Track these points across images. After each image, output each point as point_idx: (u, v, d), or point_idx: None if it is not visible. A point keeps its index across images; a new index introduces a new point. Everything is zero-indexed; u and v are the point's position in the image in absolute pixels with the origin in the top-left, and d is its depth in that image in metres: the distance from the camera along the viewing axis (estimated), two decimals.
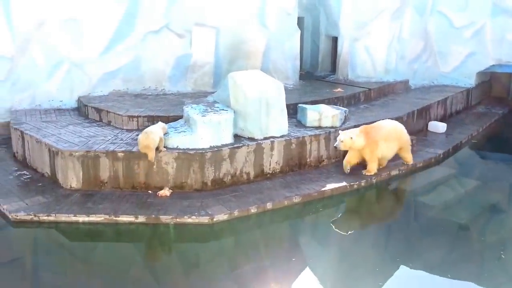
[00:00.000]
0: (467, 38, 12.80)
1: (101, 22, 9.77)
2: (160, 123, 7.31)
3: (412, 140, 9.22)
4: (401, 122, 9.62)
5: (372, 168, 7.81)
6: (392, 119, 9.37)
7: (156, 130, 6.90)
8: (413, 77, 12.97)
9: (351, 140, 7.49)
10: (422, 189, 8.15)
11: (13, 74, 9.40)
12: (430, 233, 6.60)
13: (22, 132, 7.97)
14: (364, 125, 7.92)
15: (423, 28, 12.92)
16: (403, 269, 5.70)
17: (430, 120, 10.88)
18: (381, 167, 8.05)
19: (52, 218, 6.32)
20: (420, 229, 6.87)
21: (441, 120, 11.11)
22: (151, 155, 6.80)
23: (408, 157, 8.37)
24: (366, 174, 7.81)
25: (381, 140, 7.70)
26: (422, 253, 6.12)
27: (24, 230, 6.30)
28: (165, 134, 7.17)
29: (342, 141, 7.49)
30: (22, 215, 6.34)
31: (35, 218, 6.32)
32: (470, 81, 12.98)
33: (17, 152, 8.27)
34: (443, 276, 5.59)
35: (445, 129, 10.63)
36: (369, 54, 12.33)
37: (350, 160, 7.80)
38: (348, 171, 7.79)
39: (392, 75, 12.53)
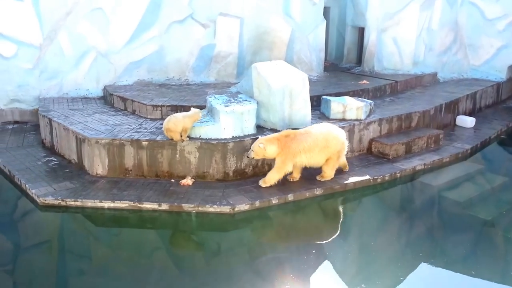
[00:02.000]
0: (500, 30, 12.33)
1: (126, 12, 9.87)
2: (193, 110, 7.11)
3: (439, 135, 9.02)
4: (428, 116, 9.47)
5: (273, 178, 6.84)
6: (419, 112, 9.24)
7: (180, 118, 7.00)
8: (442, 69, 12.62)
9: (260, 149, 6.63)
10: (447, 184, 7.94)
11: (41, 63, 9.63)
12: (454, 230, 6.45)
13: (50, 120, 8.18)
14: (288, 131, 6.88)
15: (454, 19, 12.50)
16: (425, 265, 5.61)
17: (458, 114, 10.59)
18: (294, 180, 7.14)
19: (78, 203, 6.49)
20: (443, 225, 6.73)
21: (470, 115, 10.81)
22: (175, 137, 6.98)
23: (328, 172, 7.13)
24: (262, 185, 6.88)
25: (301, 152, 6.72)
26: (445, 249, 6.00)
27: (51, 214, 6.49)
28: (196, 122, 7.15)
29: (253, 150, 6.72)
30: (50, 200, 6.52)
31: (63, 203, 6.50)
32: (501, 75, 12.53)
33: (45, 139, 8.50)
34: (467, 273, 5.46)
35: (473, 123, 10.35)
36: (397, 45, 12.04)
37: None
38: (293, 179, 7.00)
39: (420, 68, 12.21)
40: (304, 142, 6.75)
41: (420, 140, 8.77)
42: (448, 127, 10.11)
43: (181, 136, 7.02)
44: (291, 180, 7.15)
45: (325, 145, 6.87)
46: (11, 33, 9.34)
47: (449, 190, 7.71)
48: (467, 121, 10.36)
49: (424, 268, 5.55)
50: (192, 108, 7.28)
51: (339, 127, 7.44)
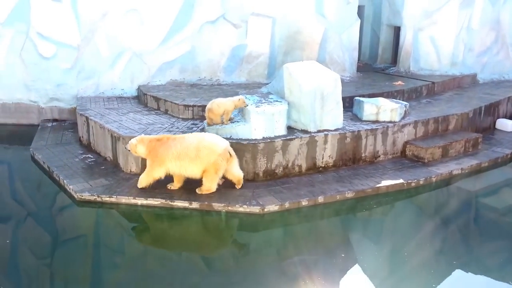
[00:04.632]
0: None
1: (160, 13, 10.05)
2: (238, 96, 7.50)
3: (478, 139, 8.64)
4: (466, 119, 9.10)
5: (142, 180, 6.66)
6: (456, 115, 8.89)
7: (223, 101, 7.36)
8: (482, 70, 12.12)
9: (132, 144, 6.54)
10: (485, 190, 7.62)
11: (79, 63, 9.97)
12: (491, 237, 6.19)
13: (87, 118, 8.44)
14: (164, 136, 6.63)
15: (495, 18, 11.97)
16: (459, 273, 5.40)
17: (498, 117, 10.17)
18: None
19: (113, 199, 6.67)
20: (480, 232, 6.46)
21: (511, 118, 10.35)
22: (215, 119, 7.31)
23: (206, 185, 6.60)
24: (138, 185, 6.74)
25: (169, 159, 6.39)
26: (480, 258, 5.76)
27: (88, 210, 6.70)
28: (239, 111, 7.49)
29: (128, 143, 6.66)
30: (86, 196, 6.74)
31: (98, 199, 6.69)
32: None
33: (82, 137, 8.79)
34: (503, 281, 5.23)
35: None
36: (434, 45, 11.65)
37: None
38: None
39: (459, 68, 11.78)
40: (173, 148, 6.38)
41: (458, 143, 8.44)
42: (487, 131, 9.70)
43: (223, 120, 7.29)
44: (170, 188, 6.78)
45: (195, 155, 6.36)
46: (50, 34, 9.73)
47: (487, 196, 7.39)
48: (507, 125, 9.93)
49: (458, 276, 5.35)
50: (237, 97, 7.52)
51: (222, 138, 6.77)
